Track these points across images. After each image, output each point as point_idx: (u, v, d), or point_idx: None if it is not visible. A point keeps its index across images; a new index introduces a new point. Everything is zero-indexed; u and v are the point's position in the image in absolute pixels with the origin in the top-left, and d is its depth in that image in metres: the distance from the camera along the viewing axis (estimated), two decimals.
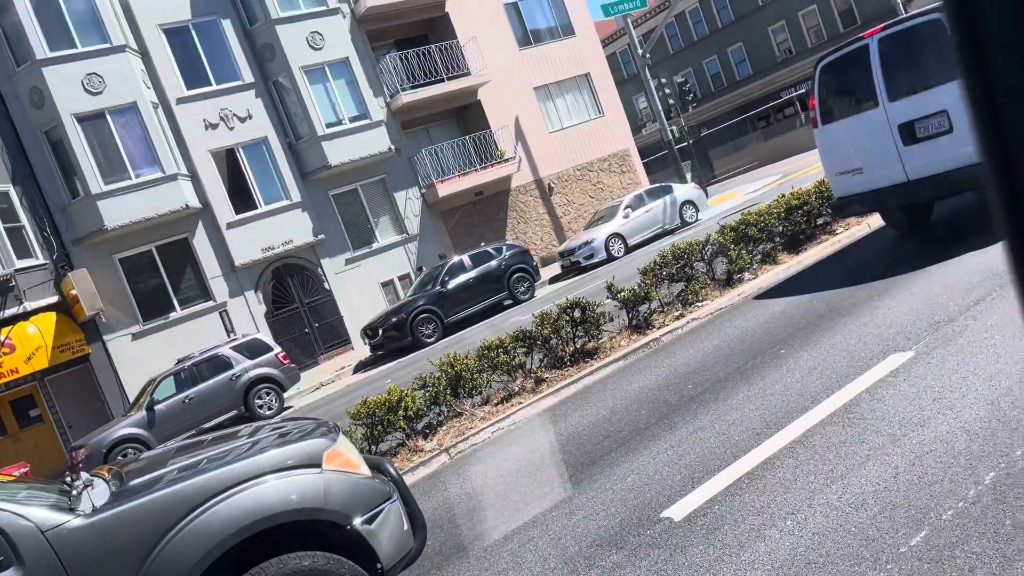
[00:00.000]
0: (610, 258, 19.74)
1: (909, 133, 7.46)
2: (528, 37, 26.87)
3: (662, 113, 26.16)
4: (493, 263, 18.57)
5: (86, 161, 18.55)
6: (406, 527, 3.83)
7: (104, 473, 4.07)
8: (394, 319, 17.42)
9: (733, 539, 3.52)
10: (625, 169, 28.25)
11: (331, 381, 18.06)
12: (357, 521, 3.57)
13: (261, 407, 15.46)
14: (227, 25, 21.55)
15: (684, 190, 22.13)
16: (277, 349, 16.46)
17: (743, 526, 3.60)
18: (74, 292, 17.85)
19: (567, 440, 6.10)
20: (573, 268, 20.68)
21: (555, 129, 26.82)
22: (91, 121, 18.80)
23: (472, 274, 18.27)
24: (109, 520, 3.23)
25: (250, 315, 20.65)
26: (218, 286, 20.47)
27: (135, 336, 19.36)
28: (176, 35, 20.88)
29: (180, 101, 20.61)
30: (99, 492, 3.53)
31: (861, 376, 4.93)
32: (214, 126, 20.96)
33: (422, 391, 7.57)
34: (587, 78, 27.86)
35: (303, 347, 21.33)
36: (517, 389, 7.86)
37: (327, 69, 22.24)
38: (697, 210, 21.62)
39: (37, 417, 18.60)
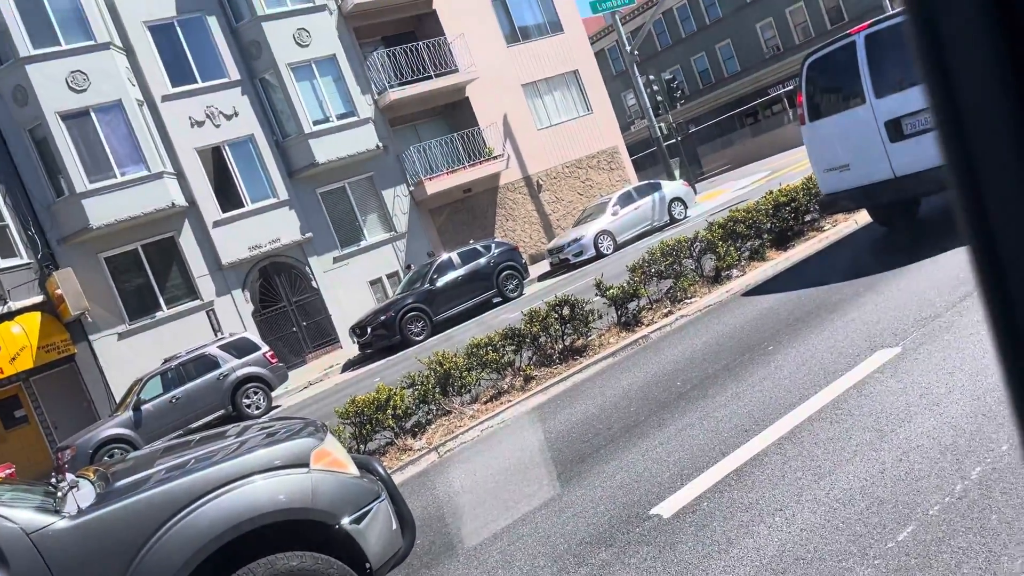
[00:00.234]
0: (599, 255, 19.76)
1: (896, 129, 7.49)
2: (516, 34, 26.81)
3: (650, 110, 26.21)
4: (482, 261, 18.55)
5: (71, 159, 18.39)
6: (395, 526, 3.82)
7: (90, 474, 4.04)
8: (382, 317, 17.36)
9: (722, 535, 3.53)
10: (614, 166, 28.27)
11: (319, 380, 18.00)
12: (345, 521, 3.56)
13: (249, 407, 15.37)
14: (213, 22, 21.40)
15: (672, 187, 22.22)
16: (265, 348, 16.37)
17: (732, 522, 3.61)
18: (59, 291, 17.70)
19: (556, 438, 6.10)
20: (562, 265, 20.70)
21: (544, 126, 26.79)
22: (76, 119, 18.64)
23: (461, 272, 18.23)
24: (95, 522, 3.21)
25: (237, 314, 20.54)
26: (205, 285, 20.35)
27: (121, 336, 19.22)
28: (161, 32, 20.72)
29: (165, 99, 20.46)
30: (85, 493, 3.50)
31: (849, 372, 4.95)
32: (200, 124, 20.82)
33: (411, 390, 7.55)
34: (575, 75, 27.84)
35: (291, 346, 21.25)
36: (506, 387, 7.85)
37: (314, 66, 22.13)
38: (685, 207, 21.69)
39: (22, 418, 18.45)
